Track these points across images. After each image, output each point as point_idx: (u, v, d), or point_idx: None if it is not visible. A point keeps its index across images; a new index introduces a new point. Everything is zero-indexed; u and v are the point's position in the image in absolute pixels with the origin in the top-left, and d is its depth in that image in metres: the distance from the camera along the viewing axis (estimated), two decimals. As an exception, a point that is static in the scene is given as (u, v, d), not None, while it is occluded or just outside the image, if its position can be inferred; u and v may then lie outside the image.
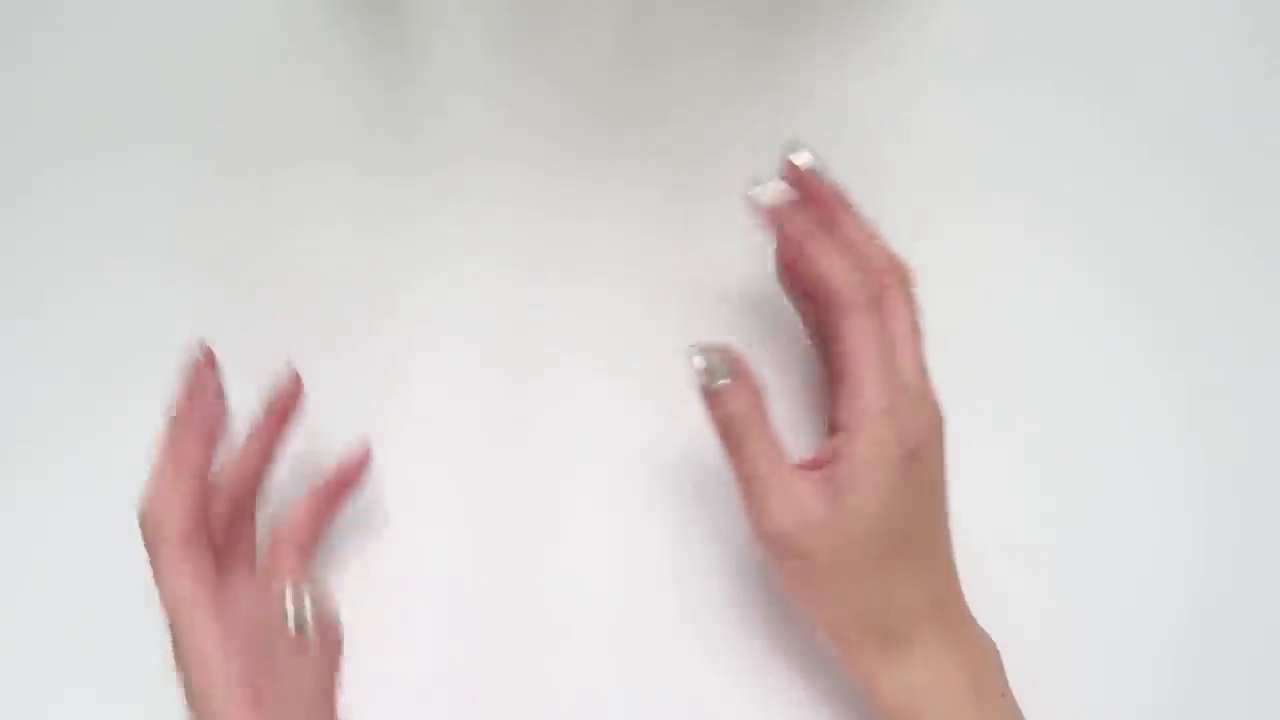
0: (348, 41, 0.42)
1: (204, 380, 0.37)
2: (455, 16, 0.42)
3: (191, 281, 0.42)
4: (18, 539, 0.41)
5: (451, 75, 0.42)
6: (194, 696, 0.34)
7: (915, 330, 0.36)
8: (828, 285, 0.35)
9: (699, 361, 0.35)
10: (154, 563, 0.35)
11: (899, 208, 0.41)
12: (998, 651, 0.36)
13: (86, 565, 0.41)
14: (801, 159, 0.37)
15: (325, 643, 0.34)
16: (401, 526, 0.41)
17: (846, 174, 0.41)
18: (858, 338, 0.34)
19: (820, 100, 0.42)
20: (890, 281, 0.36)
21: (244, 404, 0.41)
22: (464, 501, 0.41)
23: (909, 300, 0.36)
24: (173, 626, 0.35)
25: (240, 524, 0.38)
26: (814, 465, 0.35)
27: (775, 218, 0.37)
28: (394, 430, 0.42)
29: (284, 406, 0.38)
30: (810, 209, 0.37)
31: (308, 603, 0.33)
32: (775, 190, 0.36)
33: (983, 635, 0.36)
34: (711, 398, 0.35)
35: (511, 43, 0.42)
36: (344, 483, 0.40)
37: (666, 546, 0.41)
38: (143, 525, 0.35)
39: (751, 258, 0.41)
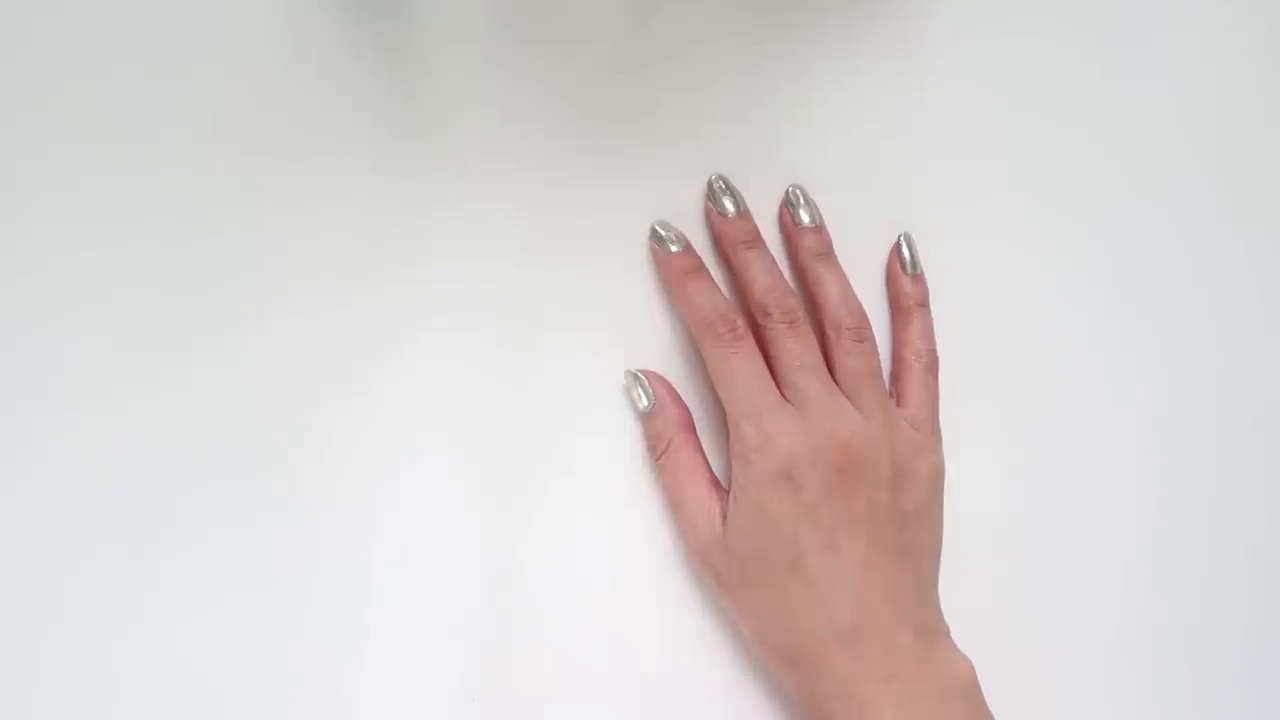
0: (347, 38, 0.41)
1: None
2: (455, 15, 0.41)
3: (192, 279, 0.41)
4: (17, 538, 0.41)
5: (451, 73, 0.41)
6: None
7: (809, 364, 0.37)
8: (685, 317, 0.39)
9: (627, 386, 0.40)
10: None
11: (898, 206, 0.42)
12: (964, 677, 0.36)
13: (89, 563, 0.41)
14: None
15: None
16: (399, 521, 0.41)
17: (846, 172, 0.42)
18: (715, 372, 0.38)
19: (820, 99, 0.42)
20: (771, 314, 0.38)
21: (245, 401, 0.41)
22: (462, 496, 0.41)
23: (799, 336, 0.38)
24: None
25: None
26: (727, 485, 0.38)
27: (663, 254, 0.40)
28: (392, 426, 0.41)
29: None
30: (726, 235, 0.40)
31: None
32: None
33: (945, 665, 0.36)
34: (641, 419, 0.40)
35: (511, 41, 0.41)
36: None
37: (664, 542, 0.41)
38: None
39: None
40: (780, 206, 0.41)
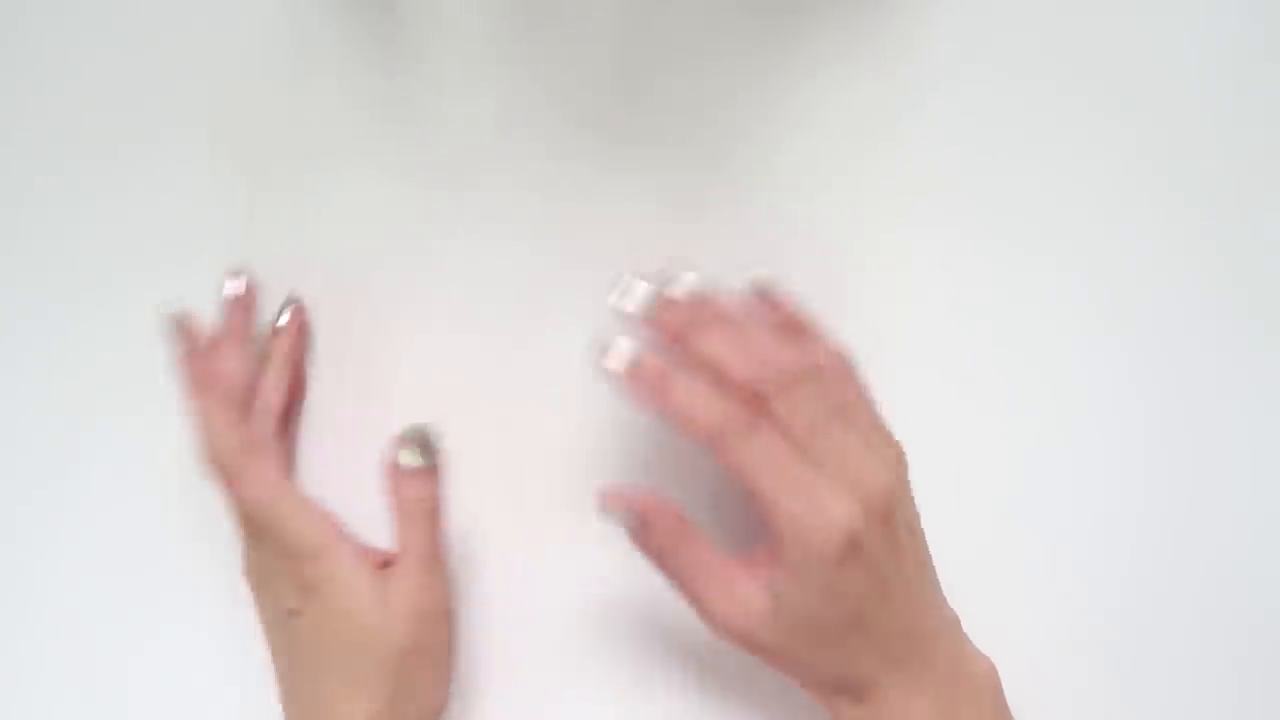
0: (345, 43, 0.42)
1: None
2: (453, 22, 0.42)
3: (192, 280, 0.42)
4: (22, 533, 0.42)
5: (449, 82, 0.42)
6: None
7: (820, 421, 0.35)
8: (688, 431, 0.35)
9: (611, 521, 0.36)
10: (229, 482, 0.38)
11: (896, 211, 0.42)
12: (991, 676, 0.36)
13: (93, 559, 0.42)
14: (681, 286, 0.37)
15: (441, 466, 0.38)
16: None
17: (845, 182, 0.42)
18: (740, 467, 0.34)
19: (819, 107, 0.42)
20: (764, 390, 0.35)
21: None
22: (464, 501, 0.41)
23: (799, 399, 0.35)
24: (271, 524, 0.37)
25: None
26: (754, 562, 0.36)
27: (628, 375, 0.36)
28: (387, 433, 0.41)
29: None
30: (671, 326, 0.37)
31: (424, 433, 0.37)
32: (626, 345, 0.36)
33: (973, 665, 0.36)
34: (632, 540, 0.36)
35: (509, 48, 0.42)
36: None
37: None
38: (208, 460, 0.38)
39: (747, 265, 0.41)
40: (660, 297, 0.37)
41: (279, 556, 0.37)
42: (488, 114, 0.42)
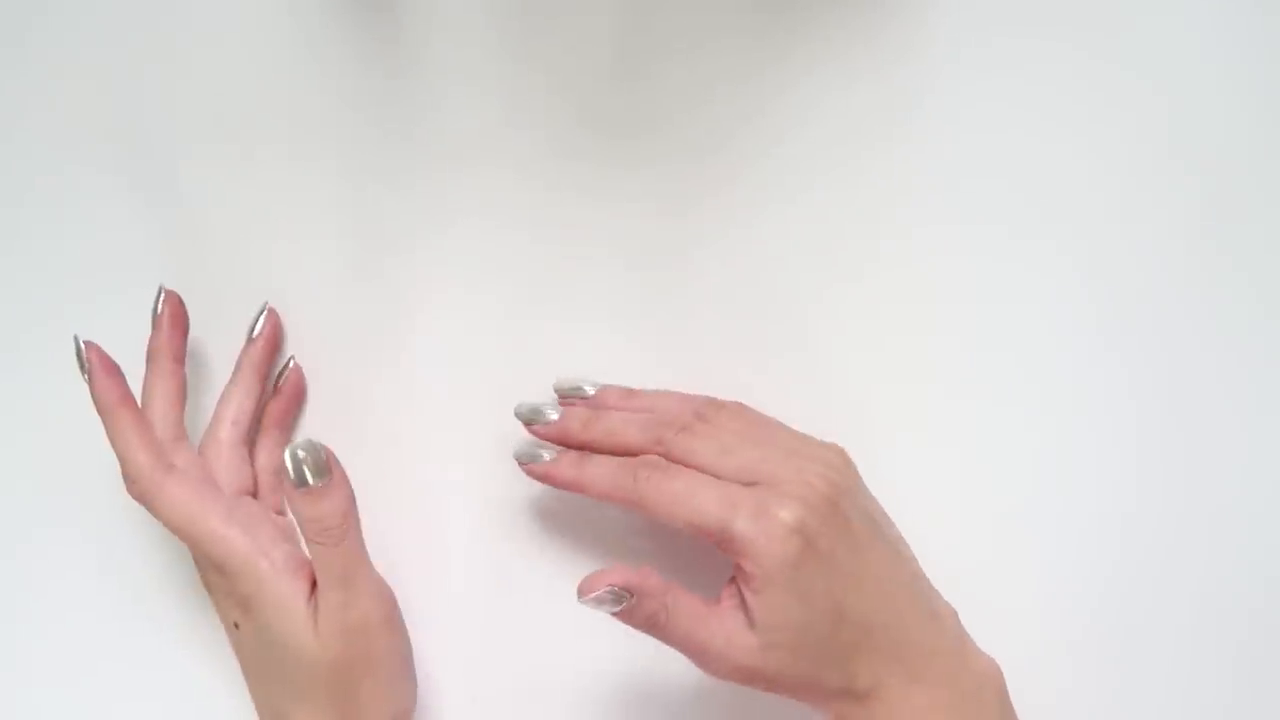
0: (342, 43, 0.42)
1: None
2: (451, 22, 0.42)
3: (184, 281, 0.42)
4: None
5: (447, 81, 0.42)
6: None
7: (731, 443, 0.36)
8: (611, 494, 0.37)
9: (600, 600, 0.35)
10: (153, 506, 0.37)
11: (895, 211, 0.42)
12: (995, 676, 0.36)
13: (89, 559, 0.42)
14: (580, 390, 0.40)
15: (336, 482, 0.36)
16: (396, 537, 0.41)
17: (843, 180, 0.42)
18: (671, 508, 0.35)
19: (818, 105, 0.42)
20: (665, 435, 0.37)
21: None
22: (458, 507, 0.42)
23: (701, 432, 0.37)
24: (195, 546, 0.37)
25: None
26: (728, 595, 0.36)
27: (550, 466, 0.39)
28: (387, 438, 0.42)
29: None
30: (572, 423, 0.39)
31: (300, 454, 0.35)
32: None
33: (976, 663, 0.36)
34: (622, 616, 0.36)
35: (508, 49, 0.42)
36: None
37: (664, 553, 0.41)
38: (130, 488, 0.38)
39: (744, 260, 0.41)
40: (562, 401, 0.40)
41: (212, 572, 0.38)
42: (486, 110, 0.42)
